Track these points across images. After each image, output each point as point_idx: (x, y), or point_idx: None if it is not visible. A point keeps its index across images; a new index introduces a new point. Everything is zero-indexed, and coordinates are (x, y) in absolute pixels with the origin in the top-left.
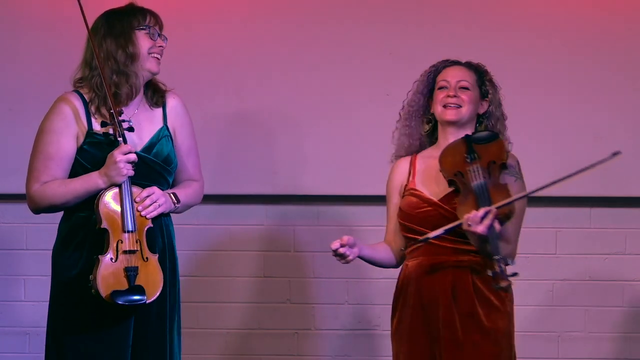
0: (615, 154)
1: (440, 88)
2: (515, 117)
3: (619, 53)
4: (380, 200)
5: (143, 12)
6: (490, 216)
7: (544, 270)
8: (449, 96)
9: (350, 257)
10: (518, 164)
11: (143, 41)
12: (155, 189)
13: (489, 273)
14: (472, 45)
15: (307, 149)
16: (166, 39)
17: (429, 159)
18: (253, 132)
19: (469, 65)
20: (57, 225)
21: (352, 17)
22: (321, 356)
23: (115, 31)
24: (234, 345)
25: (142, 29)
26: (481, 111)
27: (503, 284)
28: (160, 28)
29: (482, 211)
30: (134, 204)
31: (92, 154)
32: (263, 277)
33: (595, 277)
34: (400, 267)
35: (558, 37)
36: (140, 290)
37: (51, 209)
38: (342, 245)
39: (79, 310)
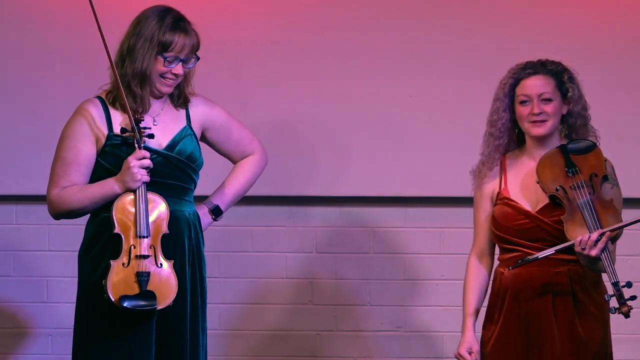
0: None
1: (522, 102)
2: None
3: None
4: (401, 201)
5: (172, 37)
6: (604, 239)
7: None
8: (533, 113)
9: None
10: (613, 169)
11: (158, 66)
12: None
13: (606, 297)
14: (493, 45)
15: (329, 151)
16: (197, 59)
17: (520, 164)
18: (276, 134)
19: (545, 71)
20: (79, 226)
21: (373, 20)
22: (344, 357)
23: (141, 43)
24: (257, 346)
25: (160, 56)
26: (565, 112)
27: (623, 309)
28: (190, 52)
29: (595, 234)
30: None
31: (115, 155)
32: (285, 278)
33: None
34: (494, 273)
35: (584, 36)
36: (151, 296)
37: (70, 214)
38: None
39: (104, 312)
